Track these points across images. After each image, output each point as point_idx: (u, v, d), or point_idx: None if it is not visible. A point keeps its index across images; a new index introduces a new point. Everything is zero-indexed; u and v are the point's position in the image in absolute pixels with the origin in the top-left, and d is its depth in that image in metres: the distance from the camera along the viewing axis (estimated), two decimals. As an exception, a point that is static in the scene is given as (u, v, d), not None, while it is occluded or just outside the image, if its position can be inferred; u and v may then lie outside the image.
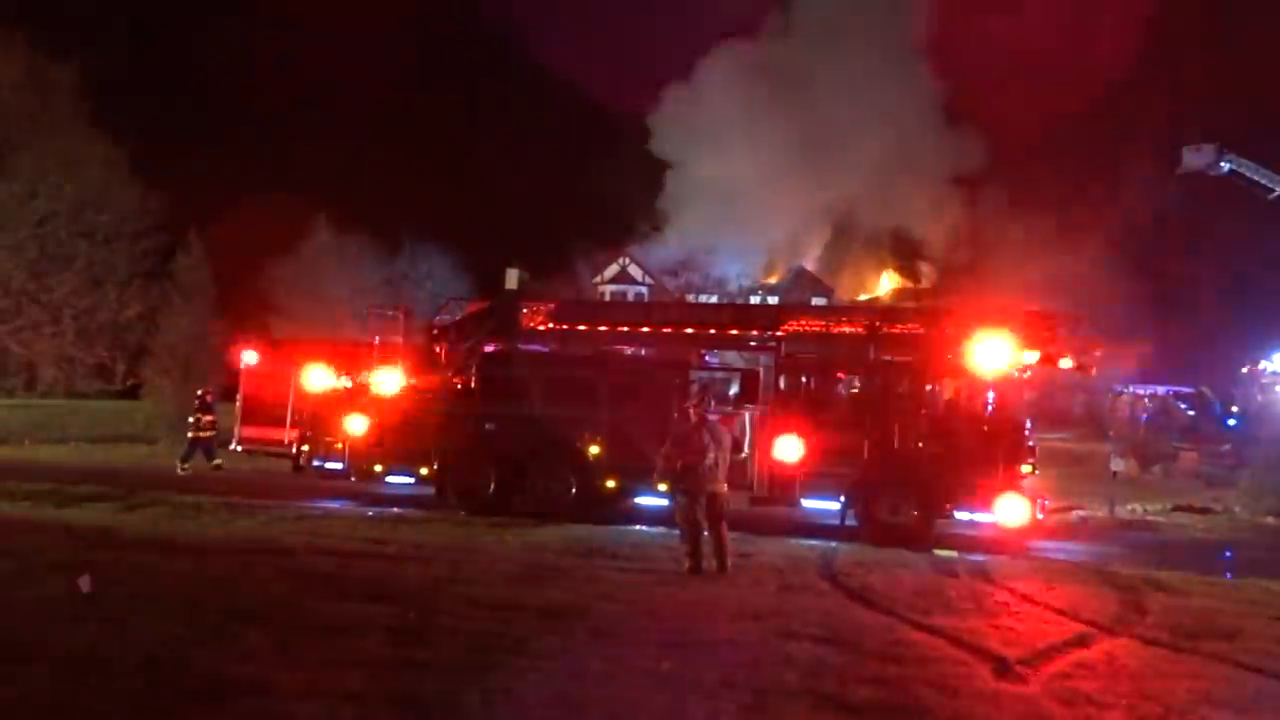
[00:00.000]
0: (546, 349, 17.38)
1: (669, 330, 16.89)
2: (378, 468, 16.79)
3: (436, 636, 7.33)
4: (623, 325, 17.26)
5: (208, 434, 21.39)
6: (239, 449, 23.21)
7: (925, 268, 51.03)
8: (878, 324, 15.78)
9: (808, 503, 15.22)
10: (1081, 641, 8.22)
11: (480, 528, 14.01)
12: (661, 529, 13.08)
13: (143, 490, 16.32)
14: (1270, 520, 20.17)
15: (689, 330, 16.85)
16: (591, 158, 50.03)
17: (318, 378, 18.58)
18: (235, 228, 36.26)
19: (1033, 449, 14.85)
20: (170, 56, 57.98)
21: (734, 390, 16.53)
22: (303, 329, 36.28)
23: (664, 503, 15.37)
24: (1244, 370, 32.04)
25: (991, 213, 45.30)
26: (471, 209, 51.72)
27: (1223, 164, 40.54)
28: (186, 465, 21.00)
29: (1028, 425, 14.93)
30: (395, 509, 15.67)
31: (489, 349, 17.28)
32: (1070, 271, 39.58)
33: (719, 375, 17.17)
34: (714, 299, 51.22)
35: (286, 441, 21.82)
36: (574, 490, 15.83)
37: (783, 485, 15.12)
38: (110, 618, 7.32)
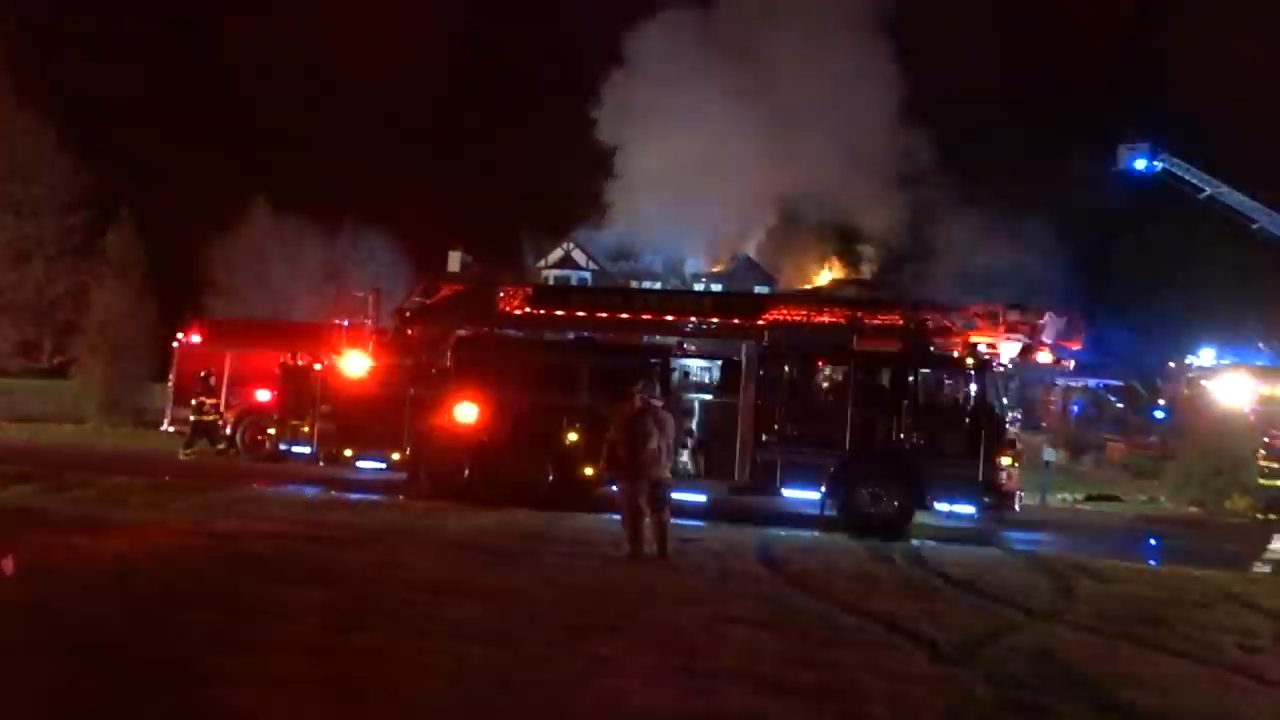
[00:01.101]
0: (523, 334, 17.10)
1: (649, 317, 16.70)
2: (347, 452, 16.46)
3: (374, 620, 7.27)
4: (601, 311, 16.95)
5: (210, 417, 20.78)
6: (170, 430, 22.68)
7: (866, 258, 51.56)
8: (859, 314, 15.79)
9: (788, 492, 15.16)
10: (1013, 627, 8.41)
11: (419, 513, 13.90)
12: (604, 515, 13.08)
13: (71, 472, 15.92)
14: (1193, 510, 20.80)
15: (669, 318, 16.67)
16: (537, 140, 49.66)
17: (287, 361, 18.10)
18: (171, 205, 35.48)
19: (1014, 441, 14.91)
20: (104, 27, 56.41)
21: (715, 378, 16.35)
22: (241, 309, 35.72)
23: None
24: (1171, 365, 32.97)
25: (934, 204, 45.90)
26: (413, 191, 51.12)
27: (1157, 163, 41.50)
28: (189, 450, 20.49)
29: (1009, 417, 14.96)
30: (350, 495, 15.48)
31: (464, 333, 16.99)
32: (1009, 264, 40.30)
33: (699, 363, 16.89)
34: (658, 286, 51.32)
35: (221, 423, 21.41)
36: (551, 477, 15.63)
37: (763, 474, 15.09)
38: (37, 602, 7.15)
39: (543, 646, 6.79)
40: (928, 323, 15.42)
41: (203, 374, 21.24)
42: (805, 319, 15.99)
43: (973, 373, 14.73)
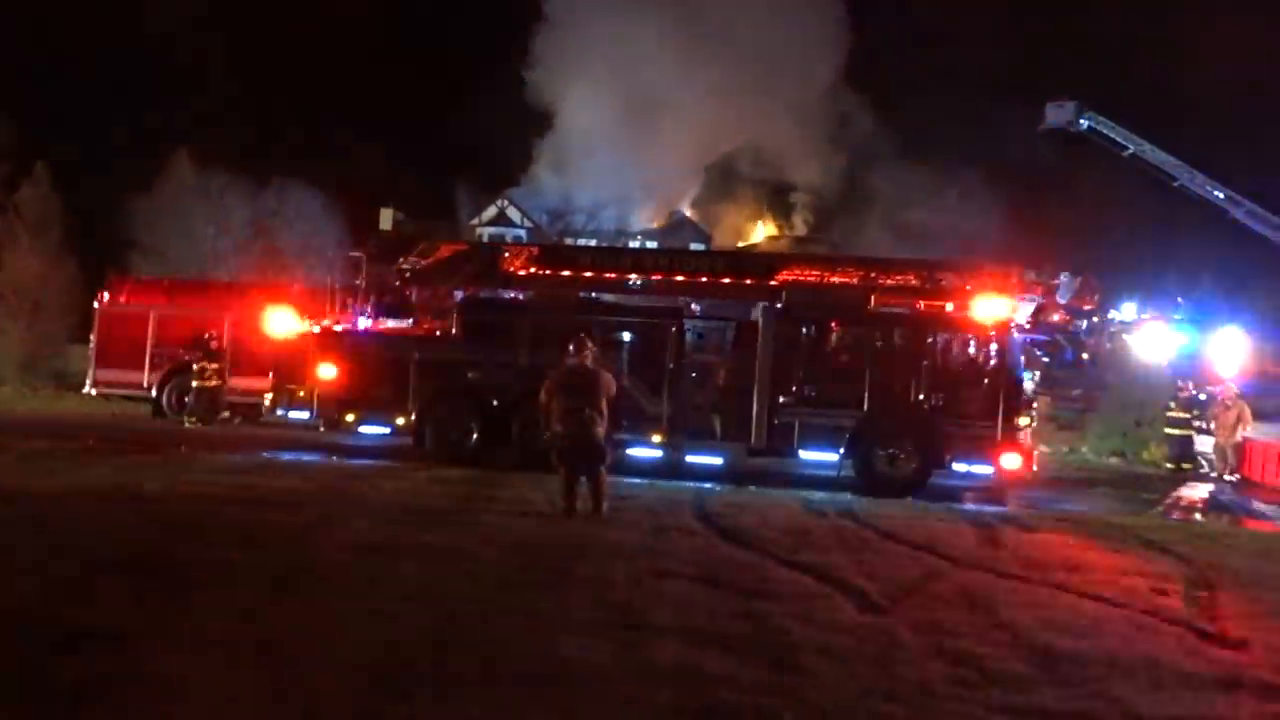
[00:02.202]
0: (530, 294, 16.74)
1: (658, 278, 16.42)
2: (349, 418, 16.04)
3: (307, 582, 7.22)
4: (609, 272, 16.69)
5: (214, 383, 20.08)
6: (93, 392, 22.11)
7: (800, 214, 51.88)
8: (874, 274, 15.70)
9: (806, 454, 15.17)
10: (939, 575, 8.63)
11: (353, 472, 13.78)
12: (541, 473, 13.08)
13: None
14: (1114, 460, 21.48)
15: (679, 278, 16.40)
16: (471, 94, 48.86)
17: (281, 322, 17.41)
18: (90, 160, 34.30)
19: (1029, 401, 15.06)
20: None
21: (730, 340, 16.13)
22: (166, 268, 34.78)
23: (658, 454, 15.40)
24: (1095, 319, 33.78)
25: (867, 160, 46.24)
26: (342, 147, 50.08)
27: (1082, 121, 42.27)
28: (194, 418, 19.93)
29: (1025, 378, 15.08)
30: (283, 456, 15.26)
31: (470, 294, 16.66)
32: (943, 220, 40.88)
33: (712, 323, 16.69)
34: (594, 243, 51.06)
35: (145, 385, 20.92)
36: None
37: (780, 436, 15.07)
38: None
39: (477, 604, 6.80)
40: (943, 283, 15.39)
41: (206, 336, 20.47)
42: (819, 279, 15.79)
43: (991, 333, 14.76)
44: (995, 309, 14.87)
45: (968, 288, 15.12)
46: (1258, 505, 16.05)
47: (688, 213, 52.69)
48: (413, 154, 50.55)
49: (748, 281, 16.16)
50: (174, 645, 5.63)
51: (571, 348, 11.26)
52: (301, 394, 16.52)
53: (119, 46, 50.93)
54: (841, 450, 14.84)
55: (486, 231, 50.39)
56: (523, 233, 50.44)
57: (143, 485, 11.19)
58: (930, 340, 15.01)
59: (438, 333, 16.37)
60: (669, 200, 52.57)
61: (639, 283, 16.44)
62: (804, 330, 15.30)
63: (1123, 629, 7.10)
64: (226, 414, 20.26)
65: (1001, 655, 6.27)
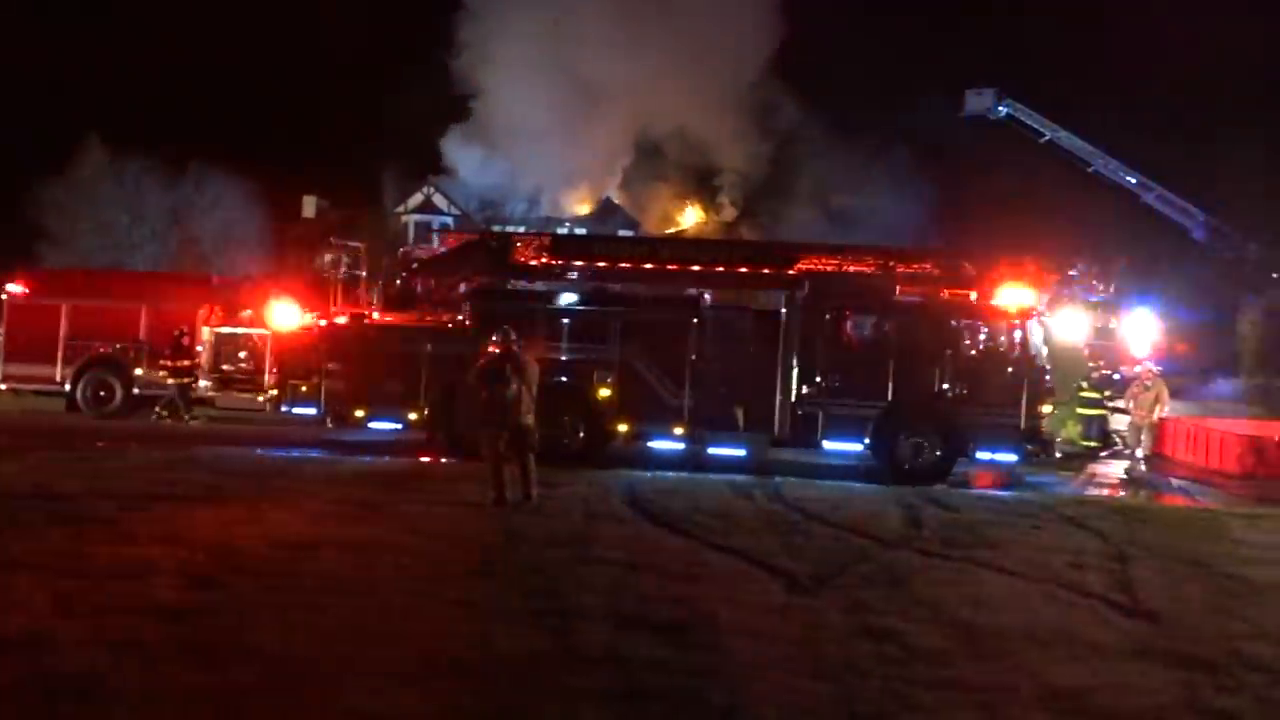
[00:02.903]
0: (548, 285, 16.35)
1: (675, 267, 16.13)
2: (359, 413, 15.52)
3: (230, 578, 7.09)
4: (625, 262, 16.38)
5: (186, 380, 19.45)
6: (1, 388, 21.35)
7: (726, 200, 52.16)
8: (893, 263, 15.63)
9: (830, 444, 15.09)
10: (865, 556, 8.79)
11: (279, 465, 13.55)
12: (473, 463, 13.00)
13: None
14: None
15: (696, 268, 16.13)
16: (396, 78, 48.11)
17: (285, 315, 16.71)
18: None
19: (1052, 389, 15.08)
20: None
21: (751, 329, 15.79)
22: (78, 258, 33.75)
23: (680, 446, 15.11)
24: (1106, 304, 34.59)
25: (794, 146, 46.64)
26: (262, 133, 48.98)
27: (1000, 108, 43.11)
28: (192, 415, 19.26)
29: (1048, 365, 15.12)
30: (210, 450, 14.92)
31: (483, 285, 16.19)
32: (866, 205, 41.43)
33: (732, 313, 16.36)
34: (522, 230, 50.71)
35: (59, 380, 20.29)
36: (581, 434, 15.12)
37: (804, 427, 14.96)
38: None
39: (405, 595, 6.77)
40: (963, 272, 15.40)
41: (177, 333, 19.88)
42: (841, 268, 15.62)
43: (1014, 321, 14.83)
44: (1017, 297, 14.92)
45: (988, 276, 15.15)
46: (1171, 481, 16.61)
47: (616, 198, 52.69)
48: (336, 140, 49.55)
49: (766, 271, 15.96)
50: (92, 645, 5.50)
51: (497, 336, 11.20)
52: (305, 389, 15.95)
53: (23, 25, 49.12)
54: (866, 440, 14.81)
55: (412, 219, 49.75)
56: (449, 220, 49.88)
57: (56, 483, 10.86)
58: (954, 329, 15.02)
59: (450, 325, 15.86)
60: (597, 186, 52.51)
61: (654, 273, 16.11)
62: (828, 320, 15.20)
63: (1041, 603, 7.33)
64: (189, 416, 19.76)
65: (924, 632, 6.42)
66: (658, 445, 15.36)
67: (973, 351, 15.05)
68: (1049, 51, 44.65)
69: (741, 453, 15.33)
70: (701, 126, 47.08)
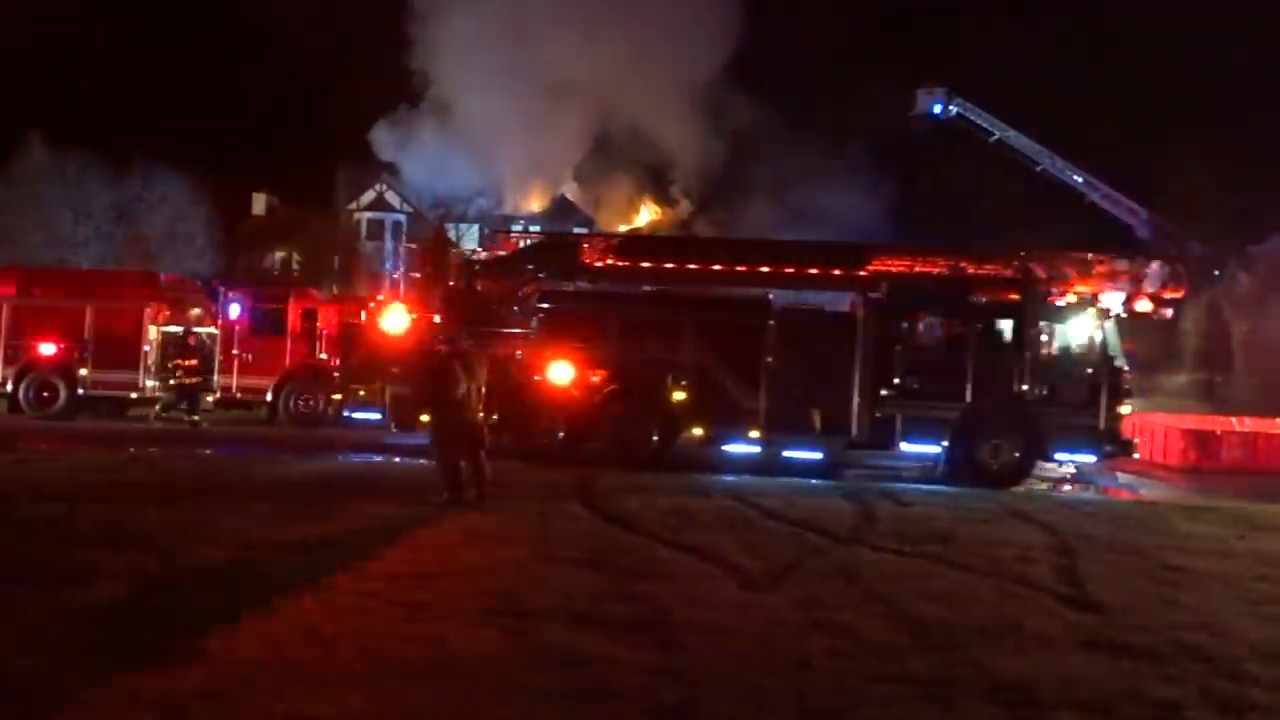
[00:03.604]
0: (618, 287, 16.20)
1: (744, 269, 15.96)
2: (424, 417, 15.31)
3: (179, 580, 6.98)
4: (693, 263, 16.19)
5: (194, 380, 19.02)
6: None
7: (681, 198, 52.25)
8: (965, 264, 15.55)
9: (908, 446, 15.00)
10: (819, 552, 8.86)
11: (227, 464, 13.36)
12: (424, 461, 12.90)
13: None
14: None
15: (765, 269, 15.95)
16: (346, 74, 47.55)
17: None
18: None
19: (1131, 390, 15.04)
20: None
21: (825, 331, 15.59)
22: (19, 256, 32.98)
23: (756, 449, 14.99)
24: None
25: (748, 144, 46.83)
26: (210, 129, 48.23)
27: (951, 107, 43.65)
28: (197, 418, 18.79)
29: (1126, 366, 15.09)
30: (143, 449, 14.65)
31: (551, 286, 15.97)
32: (823, 201, 41.72)
33: (808, 315, 16.25)
34: (476, 228, 50.43)
35: (0, 380, 19.83)
36: (656, 438, 14.98)
37: (881, 429, 14.85)
38: None
39: (357, 596, 6.69)
40: (1039, 273, 15.37)
41: (182, 332, 19.53)
42: (914, 269, 15.52)
43: (1092, 322, 14.82)
44: (1094, 298, 14.94)
45: (1065, 277, 15.17)
46: (1117, 476, 16.91)
47: (569, 195, 52.58)
48: (286, 137, 48.90)
49: (837, 272, 15.82)
50: (35, 650, 5.37)
51: (442, 335, 11.14)
52: (363, 394, 15.46)
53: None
54: (945, 443, 14.77)
55: (365, 216, 49.29)
56: (402, 218, 49.49)
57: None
58: (1033, 330, 14.96)
59: (516, 327, 15.69)
60: (550, 184, 52.36)
61: (722, 274, 15.95)
62: (906, 322, 15.14)
63: (990, 596, 7.43)
64: (196, 418, 19.36)
65: (876, 626, 6.48)
66: (733, 448, 15.24)
67: (1051, 353, 15.01)
68: (996, 53, 45.21)
69: (818, 455, 15.27)
70: (656, 123, 47.10)
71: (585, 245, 16.71)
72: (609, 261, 16.13)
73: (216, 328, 20.31)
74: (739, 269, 16.07)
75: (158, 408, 19.49)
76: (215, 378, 19.67)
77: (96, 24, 47.95)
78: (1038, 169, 42.20)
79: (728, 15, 44.12)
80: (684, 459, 14.96)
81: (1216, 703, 5.32)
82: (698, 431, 15.13)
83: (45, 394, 19.75)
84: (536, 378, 15.25)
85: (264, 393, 19.78)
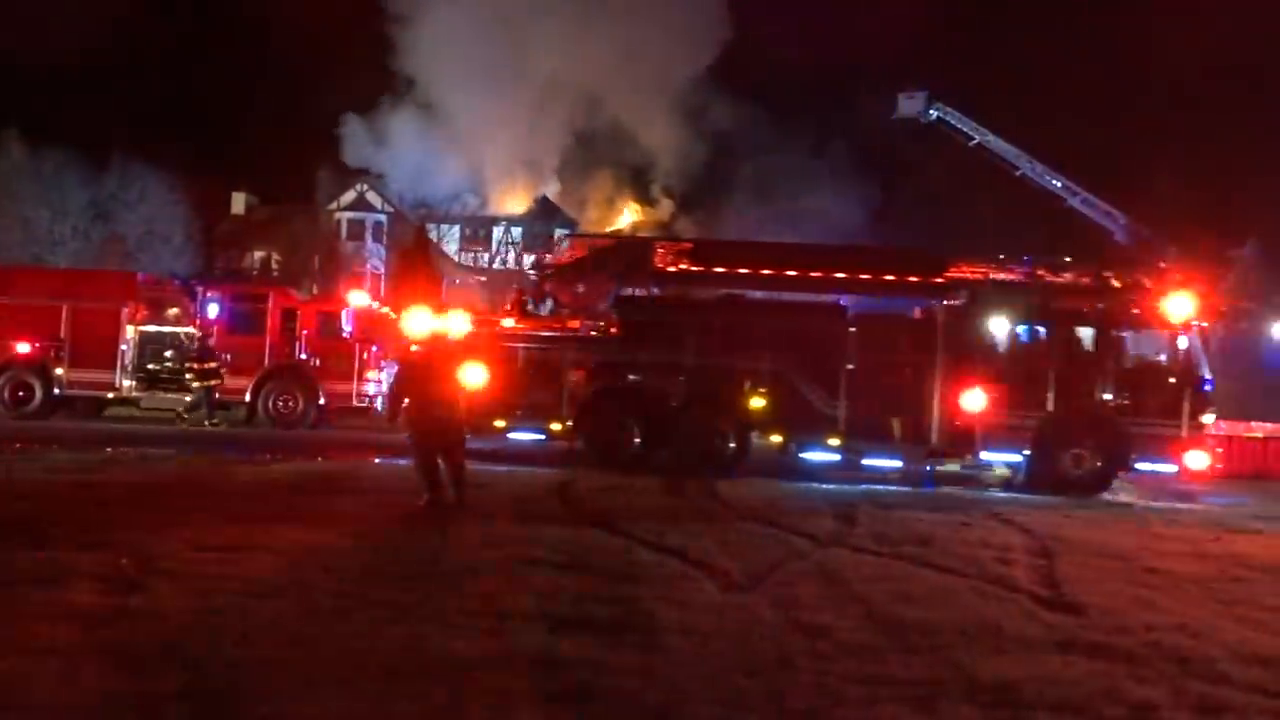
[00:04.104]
0: (693, 292, 16.03)
1: (819, 275, 15.76)
2: (499, 423, 15.12)
3: (155, 582, 6.92)
4: (767, 268, 16.00)
5: (213, 382, 19.03)
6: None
7: (661, 198, 52.30)
8: (1041, 272, 15.48)
9: (988, 455, 14.92)
10: (799, 554, 8.88)
11: (205, 465, 13.26)
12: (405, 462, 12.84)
13: None
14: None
15: (841, 275, 15.78)
16: (326, 75, 47.35)
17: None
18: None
19: (1211, 399, 14.90)
20: None
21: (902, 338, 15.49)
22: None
23: (835, 457, 14.85)
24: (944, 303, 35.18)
25: (730, 146, 46.96)
26: (188, 127, 47.94)
27: (931, 112, 43.86)
28: (215, 419, 18.76)
29: (1209, 376, 14.94)
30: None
31: (628, 292, 15.86)
32: (803, 206, 41.84)
33: (888, 322, 16.06)
34: (457, 229, 50.33)
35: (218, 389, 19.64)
36: (732, 445, 14.90)
37: (961, 438, 14.80)
38: None
39: (336, 598, 6.66)
40: (1121, 281, 15.32)
41: (201, 335, 19.50)
42: (993, 277, 15.40)
43: (1175, 331, 14.72)
44: (1178, 307, 14.83)
45: (1147, 285, 15.13)
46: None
47: (551, 196, 52.52)
48: (265, 135, 48.64)
49: (914, 278, 15.71)
50: (9, 652, 5.32)
51: (420, 337, 11.11)
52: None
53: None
54: (1026, 451, 14.71)
55: (345, 216, 49.06)
56: (383, 218, 49.31)
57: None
58: (1115, 339, 14.89)
59: (594, 333, 15.57)
60: (533, 184, 52.31)
61: (797, 280, 15.79)
62: (986, 329, 15.07)
63: (968, 598, 7.46)
64: (216, 420, 19.20)
65: (855, 627, 6.50)
66: (812, 456, 15.17)
67: (1134, 362, 14.96)
68: (977, 58, 45.56)
69: (898, 463, 15.22)
70: (638, 123, 47.13)
71: (658, 250, 16.51)
72: (682, 266, 16.00)
73: (195, 327, 20.18)
74: (814, 275, 15.93)
75: (182, 411, 19.33)
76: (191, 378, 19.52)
77: (74, 21, 47.53)
78: (1017, 173, 42.46)
79: (711, 17, 44.20)
80: (762, 466, 14.92)
81: (1192, 704, 5.36)
82: (776, 439, 15.09)
83: (21, 393, 19.59)
84: (610, 384, 15.23)
85: (243, 393, 19.69)
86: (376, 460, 14.59)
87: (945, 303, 15.44)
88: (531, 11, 45.03)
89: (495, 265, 48.88)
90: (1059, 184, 41.88)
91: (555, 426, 15.28)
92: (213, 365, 19.27)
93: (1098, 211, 41.39)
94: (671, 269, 16.03)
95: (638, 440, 15.14)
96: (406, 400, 10.65)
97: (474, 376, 14.71)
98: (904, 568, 8.41)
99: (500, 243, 50.19)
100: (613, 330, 15.56)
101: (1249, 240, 35.39)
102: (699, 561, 8.23)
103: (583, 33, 44.81)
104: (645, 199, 52.53)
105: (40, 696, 4.81)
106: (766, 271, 16.05)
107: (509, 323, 16.06)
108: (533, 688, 5.17)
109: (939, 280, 15.56)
